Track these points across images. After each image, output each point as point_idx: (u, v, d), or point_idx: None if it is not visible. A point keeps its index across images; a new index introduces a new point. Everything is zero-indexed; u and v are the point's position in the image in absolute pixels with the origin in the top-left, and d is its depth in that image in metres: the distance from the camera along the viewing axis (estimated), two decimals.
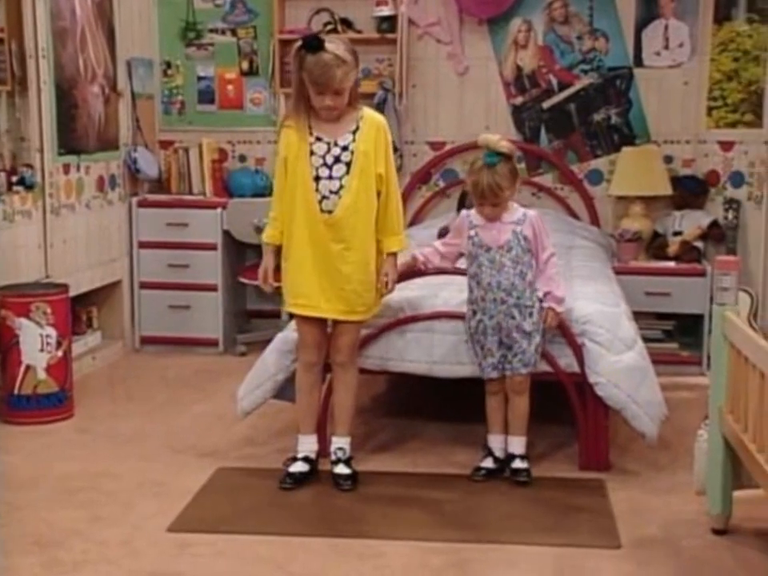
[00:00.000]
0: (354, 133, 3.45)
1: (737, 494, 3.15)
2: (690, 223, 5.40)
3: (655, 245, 5.43)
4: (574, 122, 5.66)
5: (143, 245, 5.59)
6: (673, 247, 5.35)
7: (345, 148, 3.43)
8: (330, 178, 3.43)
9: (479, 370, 3.66)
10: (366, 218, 3.50)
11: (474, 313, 3.61)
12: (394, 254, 3.61)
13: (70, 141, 4.91)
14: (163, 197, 5.68)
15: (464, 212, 3.71)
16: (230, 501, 3.46)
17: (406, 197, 5.79)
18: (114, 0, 5.33)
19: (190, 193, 5.70)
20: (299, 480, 3.56)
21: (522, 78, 5.67)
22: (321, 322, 3.59)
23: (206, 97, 5.91)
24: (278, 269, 3.62)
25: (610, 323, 3.73)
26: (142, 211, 5.58)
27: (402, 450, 3.96)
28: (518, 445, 3.64)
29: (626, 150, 5.50)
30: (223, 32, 5.86)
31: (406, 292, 3.82)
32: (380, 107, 5.59)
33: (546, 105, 5.66)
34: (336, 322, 3.58)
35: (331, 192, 3.44)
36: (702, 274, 5.16)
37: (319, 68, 3.32)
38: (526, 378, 3.61)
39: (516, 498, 3.48)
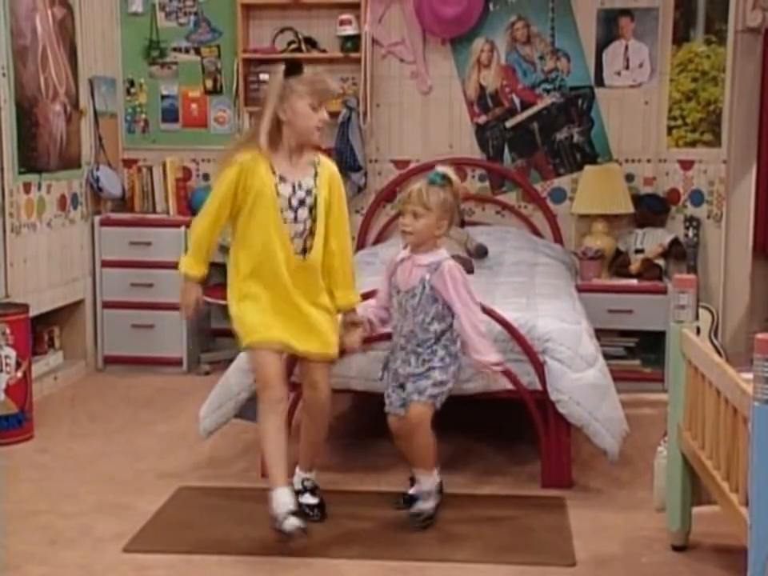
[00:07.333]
0: (314, 177, 3.36)
1: (696, 510, 3.17)
2: (651, 241, 5.46)
3: (617, 263, 5.49)
4: (537, 140, 5.70)
5: (106, 264, 5.56)
6: (635, 265, 5.40)
7: (308, 192, 3.34)
8: (295, 220, 3.32)
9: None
10: (322, 263, 3.41)
11: (388, 360, 3.50)
12: (353, 310, 3.49)
13: (31, 159, 4.87)
14: (126, 215, 5.66)
15: (394, 254, 3.56)
16: (190, 521, 3.43)
17: (371, 215, 5.83)
18: (76, 18, 5.32)
19: (154, 211, 5.70)
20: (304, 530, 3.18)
21: (485, 97, 5.71)
22: (280, 354, 3.39)
23: (170, 115, 5.90)
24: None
25: (572, 341, 3.75)
26: (104, 230, 5.56)
27: (364, 469, 3.94)
28: (423, 482, 3.45)
29: (588, 168, 5.55)
30: (187, 51, 5.86)
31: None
32: (344, 126, 5.63)
33: (509, 124, 5.71)
34: (308, 363, 3.41)
35: (297, 235, 3.33)
36: (664, 291, 5.20)
37: (318, 77, 3.33)
38: (423, 409, 3.36)
39: (476, 516, 3.47)
